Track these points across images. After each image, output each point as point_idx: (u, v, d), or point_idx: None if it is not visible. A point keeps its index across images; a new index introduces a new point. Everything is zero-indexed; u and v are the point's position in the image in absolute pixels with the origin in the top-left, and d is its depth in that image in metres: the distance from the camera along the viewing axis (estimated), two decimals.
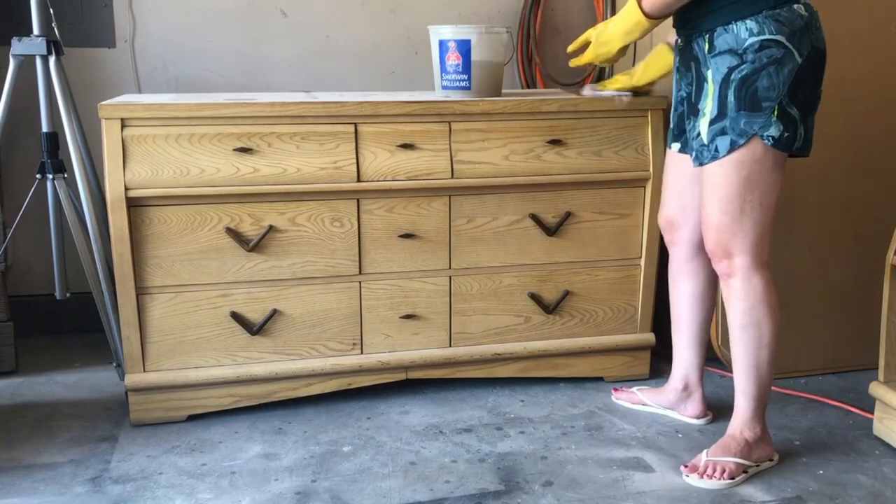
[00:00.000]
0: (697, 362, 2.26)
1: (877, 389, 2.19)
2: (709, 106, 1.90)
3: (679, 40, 2.03)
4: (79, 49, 2.77)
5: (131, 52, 2.82)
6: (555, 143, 2.35)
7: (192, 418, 2.28)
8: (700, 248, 2.12)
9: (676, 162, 2.13)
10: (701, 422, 2.28)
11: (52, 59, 2.39)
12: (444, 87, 2.37)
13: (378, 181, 2.24)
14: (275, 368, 2.29)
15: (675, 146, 2.12)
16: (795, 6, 1.85)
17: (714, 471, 1.97)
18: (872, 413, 2.23)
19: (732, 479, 1.96)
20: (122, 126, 2.11)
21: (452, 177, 2.29)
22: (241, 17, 2.87)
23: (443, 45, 2.33)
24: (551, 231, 2.39)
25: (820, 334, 2.62)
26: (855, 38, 2.48)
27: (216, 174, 2.15)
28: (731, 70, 1.85)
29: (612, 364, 2.54)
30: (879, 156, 2.56)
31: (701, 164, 1.93)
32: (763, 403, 2.03)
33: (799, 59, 1.84)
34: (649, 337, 2.54)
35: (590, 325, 2.50)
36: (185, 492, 1.93)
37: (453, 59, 2.32)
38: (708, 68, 1.90)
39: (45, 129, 2.47)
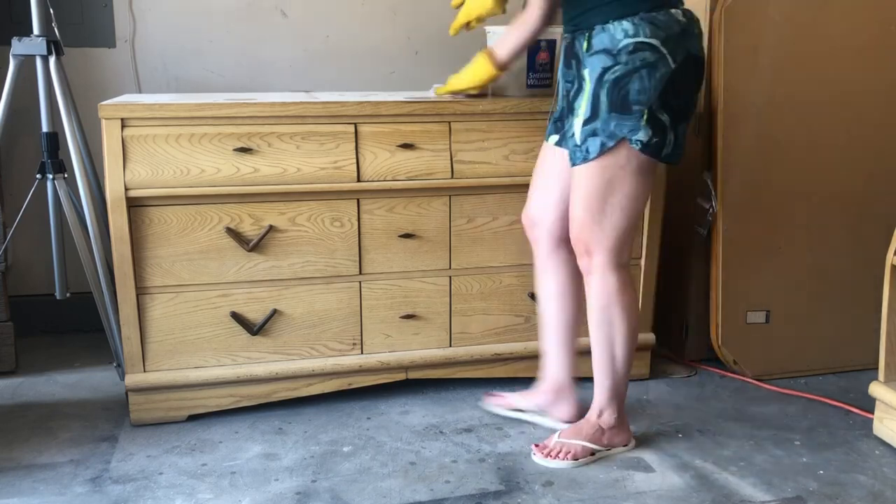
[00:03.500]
0: (567, 364, 2.22)
1: (877, 389, 2.19)
2: (583, 106, 1.89)
3: (566, 37, 2.00)
4: (79, 49, 2.77)
5: (131, 52, 2.82)
6: None
7: (193, 418, 2.28)
8: (560, 244, 2.12)
9: (549, 155, 2.11)
10: (569, 425, 2.19)
11: (52, 59, 2.39)
12: (530, 86, 2.41)
13: (378, 181, 2.24)
14: (275, 368, 2.29)
15: (553, 138, 2.09)
16: (673, 11, 1.84)
17: (559, 452, 2.04)
18: (872, 413, 2.23)
19: (576, 459, 2.03)
20: (122, 126, 2.11)
21: (452, 177, 2.29)
22: (241, 18, 2.87)
23: (533, 44, 2.35)
24: None
25: (820, 334, 2.62)
26: (855, 38, 2.49)
27: (216, 174, 2.15)
28: (605, 70, 1.83)
29: None
30: (879, 156, 2.56)
31: (574, 165, 1.93)
32: (619, 394, 2.08)
33: (672, 65, 1.83)
34: (649, 337, 2.54)
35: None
36: (185, 492, 1.93)
37: (543, 59, 2.39)
38: (585, 67, 1.89)
39: (45, 129, 2.47)
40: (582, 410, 2.19)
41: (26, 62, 2.42)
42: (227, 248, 2.20)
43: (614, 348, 2.04)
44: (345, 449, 2.13)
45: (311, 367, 2.31)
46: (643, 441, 2.18)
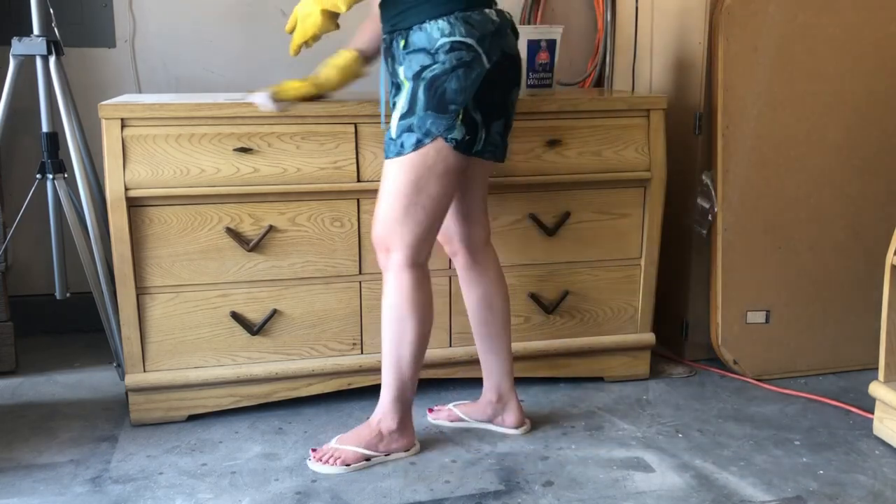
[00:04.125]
0: (505, 370, 2.19)
1: (877, 389, 2.19)
2: (401, 101, 1.89)
3: (384, 39, 1.99)
4: (79, 49, 2.77)
5: (131, 52, 2.82)
6: (555, 143, 2.35)
7: (192, 418, 2.28)
8: (476, 254, 2.11)
9: None
10: (520, 431, 2.21)
11: (52, 59, 2.39)
12: (530, 86, 2.44)
13: (378, 181, 2.23)
14: (275, 368, 2.28)
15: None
16: (487, 11, 1.87)
17: (330, 457, 2.02)
18: (872, 413, 2.23)
19: (347, 465, 2.01)
20: (122, 126, 2.11)
21: None
22: (241, 17, 2.87)
23: (533, 44, 2.39)
24: (551, 231, 2.39)
25: (820, 334, 2.62)
26: (855, 38, 2.49)
27: (216, 174, 2.15)
28: (423, 68, 1.84)
29: (612, 364, 2.54)
30: (879, 156, 2.56)
31: (387, 157, 1.93)
32: (403, 398, 2.05)
33: (487, 64, 1.85)
34: (649, 337, 2.54)
35: (590, 325, 2.50)
36: (185, 492, 1.93)
37: (543, 58, 2.42)
38: (401, 65, 1.89)
39: (45, 129, 2.47)
40: (524, 413, 2.21)
41: (26, 62, 2.42)
42: (227, 248, 2.20)
43: (402, 348, 2.00)
44: None
45: (310, 367, 2.31)
46: (643, 441, 2.18)
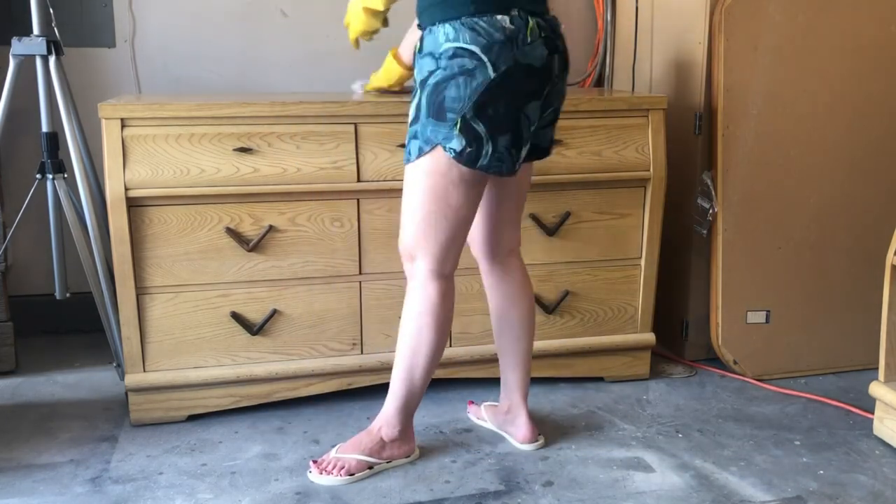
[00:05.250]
0: (516, 383, 2.13)
1: (877, 389, 2.19)
2: (411, 107, 1.85)
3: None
4: (79, 49, 2.77)
5: (131, 52, 2.82)
6: (555, 142, 2.34)
7: (192, 418, 2.28)
8: (496, 263, 2.07)
9: None
10: (531, 447, 2.13)
11: (52, 59, 2.39)
12: None
13: (378, 181, 2.24)
14: (275, 368, 2.28)
15: None
16: (499, 17, 1.74)
17: (333, 467, 1.97)
18: (872, 413, 2.23)
19: (351, 474, 1.97)
20: (122, 126, 2.11)
21: None
22: (241, 18, 2.87)
23: None
24: (551, 231, 2.39)
25: (820, 334, 2.62)
26: (855, 38, 2.49)
27: (216, 174, 2.15)
28: (429, 74, 1.78)
29: (612, 364, 2.54)
30: (879, 156, 2.56)
31: (406, 163, 1.89)
32: (409, 406, 2.02)
33: (492, 74, 1.73)
34: (649, 337, 2.54)
35: (590, 325, 2.50)
36: (185, 492, 1.93)
37: None
38: (415, 69, 1.84)
39: (45, 129, 2.47)
40: (537, 427, 2.16)
41: (26, 62, 2.42)
42: (227, 248, 2.20)
43: (417, 358, 1.94)
44: None
45: (310, 367, 2.31)
46: (643, 441, 2.18)
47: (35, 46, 2.38)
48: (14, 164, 2.75)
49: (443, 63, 1.75)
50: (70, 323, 2.90)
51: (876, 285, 2.22)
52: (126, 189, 2.10)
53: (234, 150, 2.16)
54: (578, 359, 2.51)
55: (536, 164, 2.34)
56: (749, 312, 2.57)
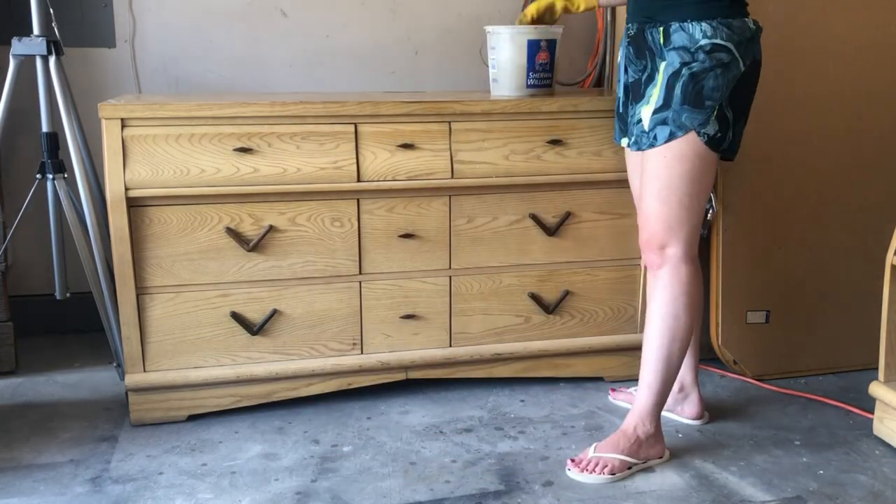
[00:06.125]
0: (691, 363, 2.24)
1: (877, 389, 2.19)
2: (655, 95, 1.95)
3: (630, 27, 2.06)
4: (79, 49, 2.77)
5: (131, 52, 2.82)
6: (555, 143, 2.35)
7: (192, 418, 2.28)
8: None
9: (633, 159, 2.15)
10: (698, 422, 2.27)
11: (52, 59, 2.39)
12: (530, 86, 2.41)
13: (378, 181, 2.24)
14: (275, 368, 2.29)
15: (625, 140, 2.12)
16: (746, 19, 1.94)
17: (596, 466, 1.99)
18: (872, 413, 2.23)
19: (613, 474, 1.98)
20: (122, 126, 2.11)
21: (452, 177, 2.29)
22: (241, 18, 2.87)
23: (533, 44, 2.37)
24: (551, 231, 2.39)
25: (820, 334, 2.62)
26: (855, 38, 2.49)
27: (216, 174, 2.15)
28: (682, 65, 1.91)
29: (612, 364, 2.54)
30: (879, 156, 2.56)
31: (639, 149, 1.99)
32: (663, 400, 2.05)
33: (742, 67, 1.93)
34: None
35: (590, 325, 2.50)
36: (185, 492, 1.93)
37: (543, 59, 2.40)
38: (663, 60, 1.94)
39: (45, 129, 2.47)
40: (705, 407, 2.27)
41: (26, 62, 2.42)
42: (227, 248, 2.20)
43: (674, 345, 1.99)
44: (345, 449, 2.13)
45: (310, 367, 2.31)
46: None
47: (35, 46, 2.38)
48: (14, 164, 2.75)
49: (700, 56, 1.90)
50: (70, 323, 2.90)
51: (876, 285, 2.22)
52: (126, 189, 2.10)
53: (234, 150, 2.16)
54: (578, 359, 2.51)
55: (537, 164, 2.35)
56: (749, 312, 2.57)
